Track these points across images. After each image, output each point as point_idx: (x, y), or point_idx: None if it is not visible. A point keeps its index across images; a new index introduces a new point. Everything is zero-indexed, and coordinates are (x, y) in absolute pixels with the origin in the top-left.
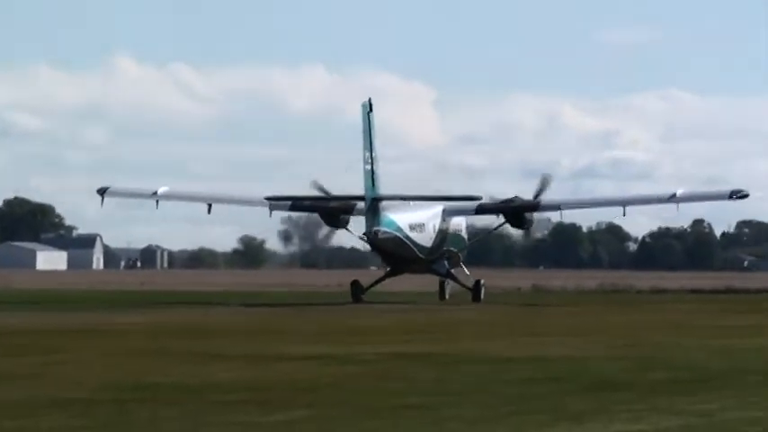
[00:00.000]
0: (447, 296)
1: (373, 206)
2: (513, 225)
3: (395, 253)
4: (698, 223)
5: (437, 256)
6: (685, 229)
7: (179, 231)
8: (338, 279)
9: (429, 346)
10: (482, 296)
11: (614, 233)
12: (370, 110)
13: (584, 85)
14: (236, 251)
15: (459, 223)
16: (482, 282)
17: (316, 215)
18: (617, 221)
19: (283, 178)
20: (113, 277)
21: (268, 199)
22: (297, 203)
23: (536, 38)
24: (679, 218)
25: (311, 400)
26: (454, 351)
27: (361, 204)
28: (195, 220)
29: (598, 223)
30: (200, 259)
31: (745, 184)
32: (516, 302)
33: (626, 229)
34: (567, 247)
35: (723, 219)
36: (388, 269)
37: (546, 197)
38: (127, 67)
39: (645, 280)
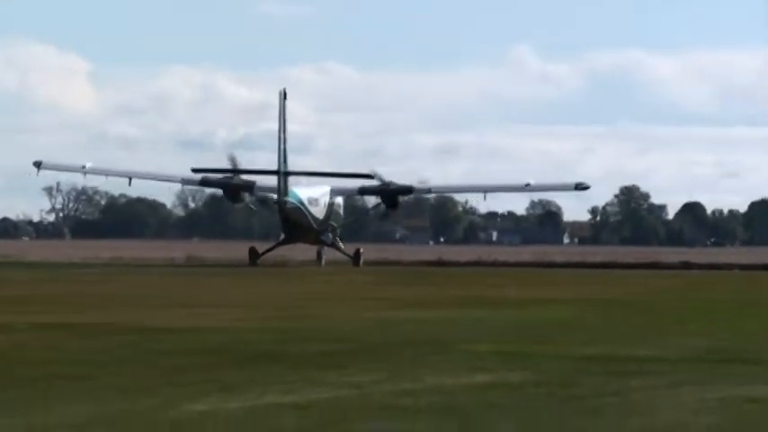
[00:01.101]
0: (323, 263)
1: (284, 180)
2: (388, 206)
3: (296, 221)
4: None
5: (324, 228)
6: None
7: None
8: None
9: (82, 316)
10: (361, 263)
11: (267, 204)
12: (285, 98)
13: (239, 57)
14: None
15: (339, 202)
16: (361, 250)
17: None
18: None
19: None
20: None
21: (194, 170)
22: (206, 179)
23: (191, 10)
24: None
25: None
26: (109, 321)
27: (260, 182)
28: None
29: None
30: None
31: (402, 156)
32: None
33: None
34: (221, 218)
35: None
36: (282, 237)
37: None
38: None
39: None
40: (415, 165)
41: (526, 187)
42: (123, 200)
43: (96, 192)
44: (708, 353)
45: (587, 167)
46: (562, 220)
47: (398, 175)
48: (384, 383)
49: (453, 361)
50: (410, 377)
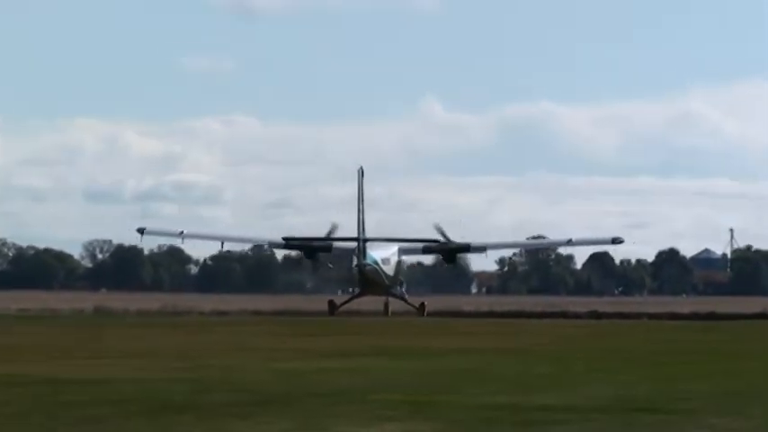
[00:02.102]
0: (389, 313)
1: (363, 245)
2: (447, 262)
3: (372, 279)
4: (258, 248)
5: (393, 283)
6: (247, 253)
7: None
8: None
9: None
10: (425, 313)
11: (175, 256)
12: (362, 175)
13: (146, 109)
14: None
15: (405, 260)
16: (425, 302)
17: None
18: (179, 244)
19: None
20: None
21: (284, 239)
22: (290, 243)
23: (95, 60)
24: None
25: None
26: (16, 372)
27: (337, 245)
28: None
29: (159, 246)
30: None
31: (311, 207)
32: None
33: (187, 252)
34: (128, 269)
35: None
36: (358, 291)
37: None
38: None
39: (207, 302)
40: (325, 216)
41: (569, 243)
42: (32, 251)
43: (4, 243)
44: (617, 401)
45: (497, 217)
46: (470, 270)
47: (311, 225)
48: None
49: (364, 411)
50: (319, 427)
